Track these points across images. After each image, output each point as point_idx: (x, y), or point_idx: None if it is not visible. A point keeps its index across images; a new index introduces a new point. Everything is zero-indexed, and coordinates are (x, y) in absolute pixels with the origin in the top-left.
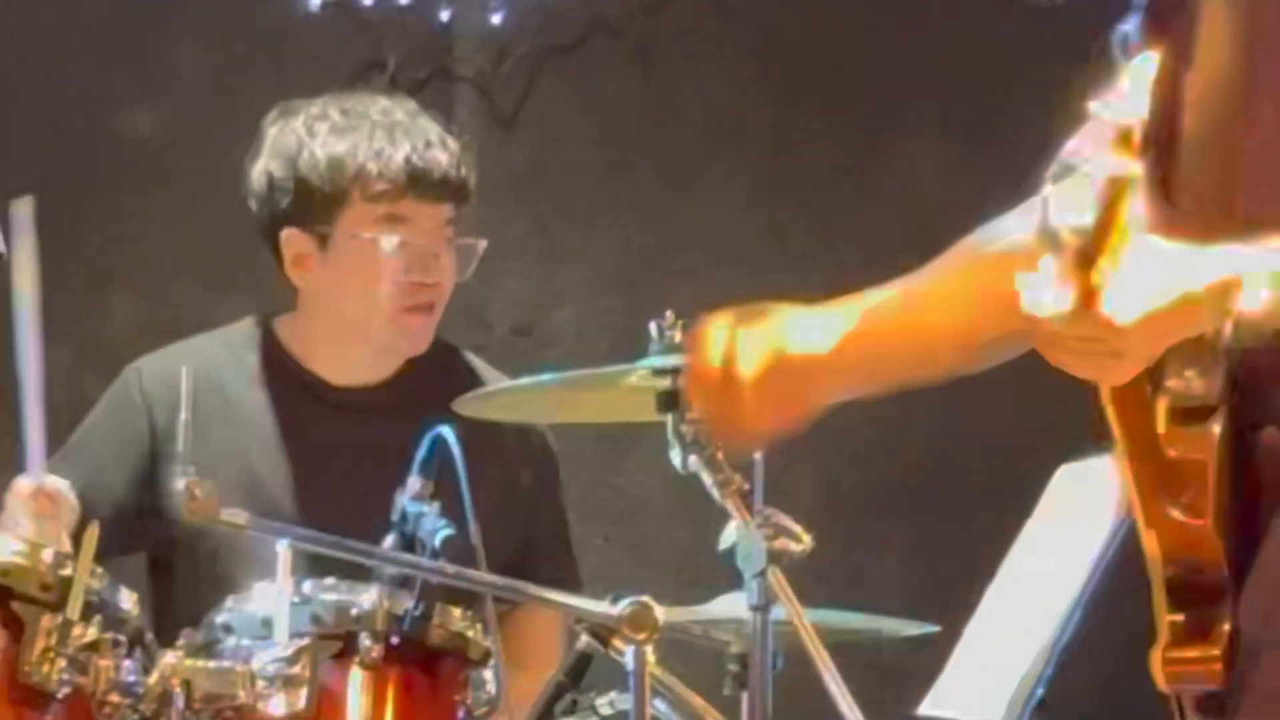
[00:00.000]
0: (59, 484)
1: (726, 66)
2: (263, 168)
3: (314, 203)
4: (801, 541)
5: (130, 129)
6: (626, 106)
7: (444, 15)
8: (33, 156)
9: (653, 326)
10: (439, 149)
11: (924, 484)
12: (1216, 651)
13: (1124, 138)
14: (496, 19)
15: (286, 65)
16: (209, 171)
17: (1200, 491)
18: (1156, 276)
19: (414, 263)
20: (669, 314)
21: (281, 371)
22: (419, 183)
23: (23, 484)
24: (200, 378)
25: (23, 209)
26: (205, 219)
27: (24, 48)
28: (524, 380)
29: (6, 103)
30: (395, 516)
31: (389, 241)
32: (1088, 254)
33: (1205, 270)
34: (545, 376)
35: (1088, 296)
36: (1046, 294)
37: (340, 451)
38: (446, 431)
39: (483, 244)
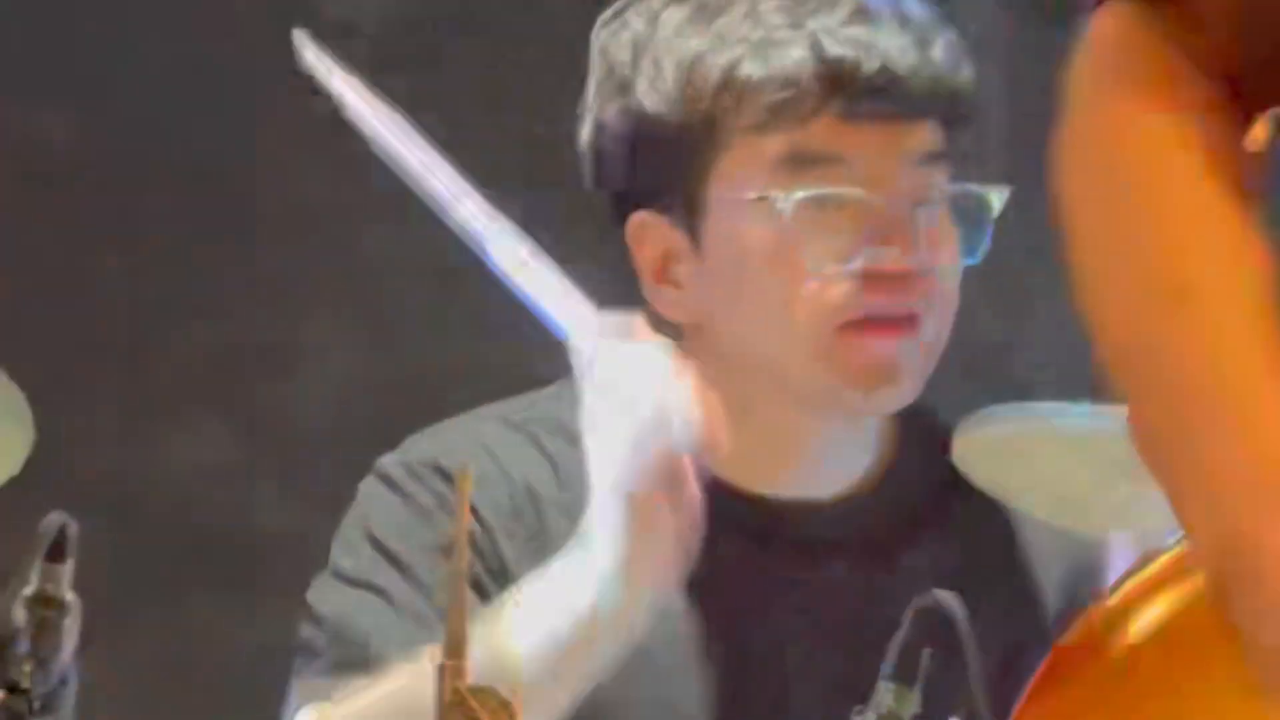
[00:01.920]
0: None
1: None
2: (594, 107)
3: (664, 151)
4: None
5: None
6: None
7: None
8: None
9: None
10: (887, 17)
11: None
12: None
13: None
14: None
15: None
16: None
17: None
18: None
19: (863, 235)
20: None
21: None
22: (847, 84)
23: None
24: (511, 488)
25: None
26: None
27: None
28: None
29: None
30: None
31: (786, 200)
32: None
33: None
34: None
35: None
36: None
37: (771, 615)
38: (944, 598)
39: (999, 193)
